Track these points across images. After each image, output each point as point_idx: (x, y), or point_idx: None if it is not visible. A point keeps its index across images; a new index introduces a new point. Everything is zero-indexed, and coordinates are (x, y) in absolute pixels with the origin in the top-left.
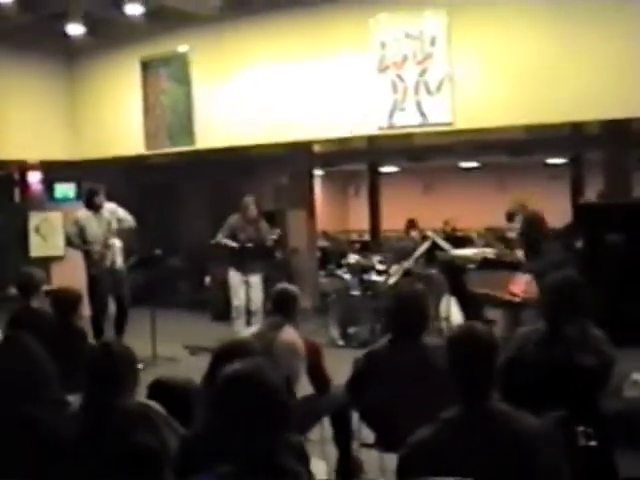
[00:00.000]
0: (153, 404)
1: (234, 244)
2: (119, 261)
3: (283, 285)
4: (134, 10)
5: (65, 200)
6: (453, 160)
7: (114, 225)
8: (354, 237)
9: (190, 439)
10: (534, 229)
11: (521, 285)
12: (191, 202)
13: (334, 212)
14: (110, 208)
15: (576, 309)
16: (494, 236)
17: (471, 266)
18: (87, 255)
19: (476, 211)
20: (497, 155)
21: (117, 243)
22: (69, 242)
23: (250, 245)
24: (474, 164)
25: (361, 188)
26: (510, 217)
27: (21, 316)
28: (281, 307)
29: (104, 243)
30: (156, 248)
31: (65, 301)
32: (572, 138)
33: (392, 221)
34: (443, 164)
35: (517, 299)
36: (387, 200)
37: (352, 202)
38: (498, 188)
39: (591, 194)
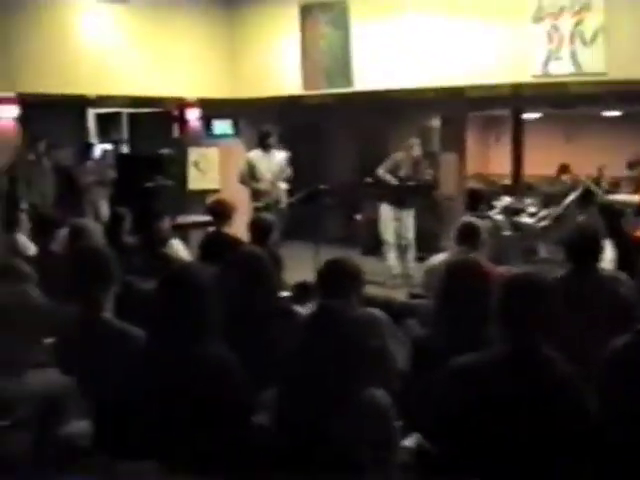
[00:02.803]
0: (378, 312)
1: (394, 180)
2: (283, 200)
3: (467, 218)
4: None
5: (223, 136)
6: (598, 109)
7: (282, 170)
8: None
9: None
10: None
11: None
12: (340, 142)
13: (475, 156)
14: (283, 155)
15: None
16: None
17: (629, 210)
18: (254, 191)
19: (618, 161)
20: None
21: (283, 185)
22: (241, 180)
23: (411, 183)
24: (617, 113)
25: (502, 133)
26: (631, 166)
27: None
28: (467, 238)
29: (272, 182)
30: (309, 186)
31: (219, 208)
32: None
33: (533, 167)
34: (586, 113)
35: None
36: (529, 146)
37: (492, 147)
38: None
39: None
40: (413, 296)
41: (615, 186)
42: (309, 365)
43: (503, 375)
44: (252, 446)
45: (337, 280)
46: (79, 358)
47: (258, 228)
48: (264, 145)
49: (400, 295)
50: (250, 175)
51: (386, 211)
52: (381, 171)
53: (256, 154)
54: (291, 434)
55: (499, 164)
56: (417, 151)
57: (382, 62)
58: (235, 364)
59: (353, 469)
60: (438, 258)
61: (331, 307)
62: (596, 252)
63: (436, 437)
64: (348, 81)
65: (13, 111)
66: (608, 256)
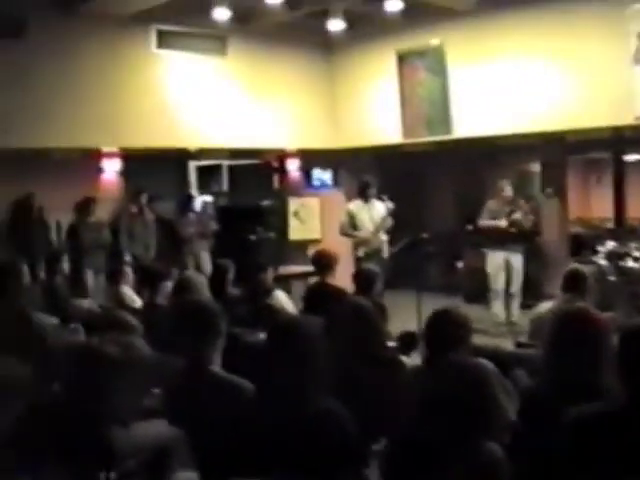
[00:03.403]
0: (487, 362)
1: (503, 223)
2: (384, 250)
3: (573, 264)
4: (393, 6)
5: (322, 186)
6: None
7: (383, 220)
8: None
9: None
10: None
11: None
12: (440, 190)
13: (576, 200)
14: (383, 205)
15: None
16: None
17: None
18: (355, 241)
19: None
20: None
21: (383, 236)
22: (342, 231)
23: (521, 222)
24: None
25: (603, 176)
26: None
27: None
28: (574, 285)
29: (373, 232)
30: (409, 234)
31: (323, 259)
32: None
33: (636, 209)
34: None
35: None
36: (631, 188)
37: (593, 190)
38: None
39: None
40: (519, 345)
41: None
42: (425, 417)
43: (623, 426)
44: None
45: (446, 330)
46: (188, 410)
47: (363, 278)
48: (364, 195)
49: (506, 344)
50: (351, 225)
51: (496, 257)
52: (482, 221)
53: (356, 204)
54: None
55: (601, 207)
56: (508, 192)
57: (481, 107)
58: (346, 418)
59: None
60: (545, 306)
61: (446, 358)
62: None
63: None
64: (447, 128)
65: (116, 165)
66: None
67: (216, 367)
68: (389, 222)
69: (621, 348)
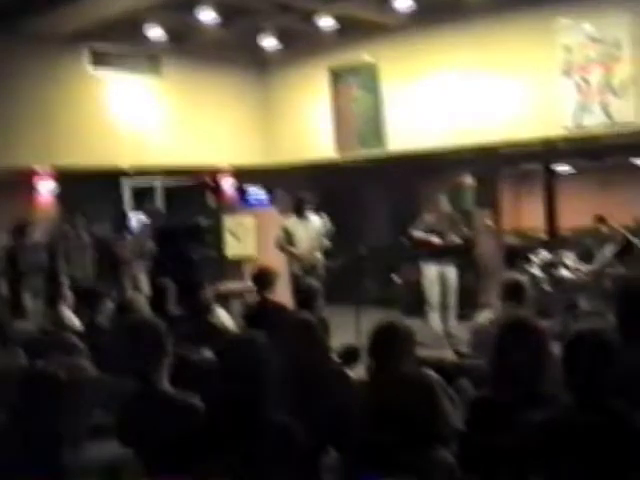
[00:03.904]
0: (433, 374)
1: (437, 239)
2: (319, 266)
3: (510, 274)
4: (326, 23)
5: (257, 204)
6: (630, 158)
7: (318, 236)
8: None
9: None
10: None
11: None
12: (375, 204)
13: (509, 211)
14: (319, 221)
15: None
16: None
17: None
18: (290, 257)
19: None
20: None
21: (318, 253)
22: (278, 245)
23: (456, 240)
24: None
25: (535, 187)
26: None
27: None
28: (513, 294)
29: (309, 249)
30: (344, 249)
31: (263, 276)
32: None
33: (568, 219)
34: (619, 162)
35: None
36: (562, 199)
37: (526, 201)
38: None
39: None
40: (461, 355)
41: None
42: (374, 427)
43: (572, 430)
44: None
45: (391, 342)
46: (138, 429)
47: (305, 294)
48: (300, 212)
49: (446, 355)
50: (287, 241)
51: (431, 271)
52: (416, 232)
53: (292, 221)
54: None
55: (534, 218)
56: (445, 207)
57: (414, 122)
58: (298, 431)
59: None
60: (485, 316)
61: (392, 370)
62: None
63: None
64: (381, 143)
65: (50, 185)
66: None
67: (166, 386)
68: (325, 241)
69: (567, 354)
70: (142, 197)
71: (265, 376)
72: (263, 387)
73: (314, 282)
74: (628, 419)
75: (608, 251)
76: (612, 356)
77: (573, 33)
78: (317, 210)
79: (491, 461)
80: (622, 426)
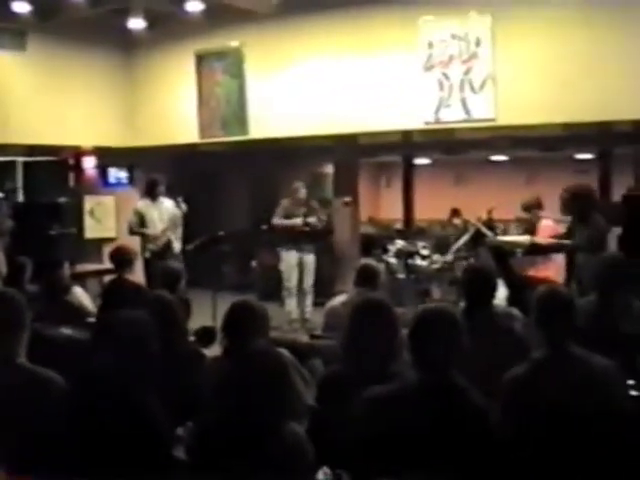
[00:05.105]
0: (286, 353)
1: (298, 222)
2: (174, 248)
3: (365, 260)
4: (194, 7)
5: (118, 184)
6: (487, 154)
7: (171, 218)
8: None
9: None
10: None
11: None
12: (235, 190)
13: (367, 201)
14: (172, 203)
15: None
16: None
17: (518, 251)
18: (144, 239)
19: (506, 202)
20: (530, 150)
21: (172, 236)
22: (130, 230)
23: (315, 225)
24: (504, 158)
25: (393, 178)
26: (526, 209)
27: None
28: (366, 280)
29: (161, 231)
30: (204, 233)
31: (121, 255)
32: (602, 135)
33: (425, 211)
34: (475, 157)
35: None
36: (420, 191)
37: (384, 192)
38: (527, 181)
39: (619, 189)
40: (314, 337)
41: (505, 228)
42: (227, 402)
43: (416, 404)
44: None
45: (245, 320)
46: None
47: (168, 275)
48: (152, 194)
49: (301, 339)
50: (140, 224)
51: (289, 257)
52: (276, 219)
53: (145, 203)
54: (214, 466)
55: (391, 209)
56: (302, 194)
57: (276, 110)
58: (155, 405)
59: None
60: (339, 299)
61: (246, 347)
62: (492, 291)
63: (353, 464)
64: (243, 129)
65: None
66: (501, 294)
67: (23, 359)
68: (179, 222)
69: (412, 331)
70: (2, 174)
71: (138, 351)
72: (133, 362)
73: (177, 264)
74: (467, 394)
75: (461, 242)
76: (456, 334)
77: (436, 29)
78: (172, 193)
79: (338, 437)
80: (462, 402)
